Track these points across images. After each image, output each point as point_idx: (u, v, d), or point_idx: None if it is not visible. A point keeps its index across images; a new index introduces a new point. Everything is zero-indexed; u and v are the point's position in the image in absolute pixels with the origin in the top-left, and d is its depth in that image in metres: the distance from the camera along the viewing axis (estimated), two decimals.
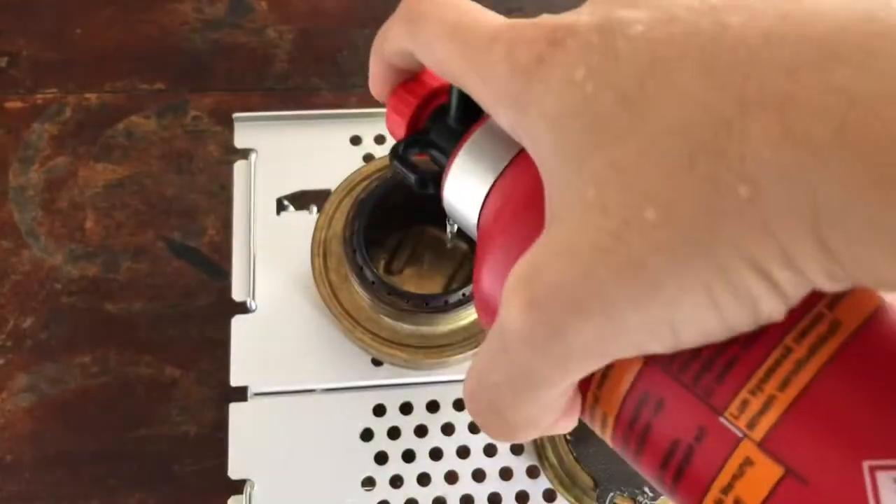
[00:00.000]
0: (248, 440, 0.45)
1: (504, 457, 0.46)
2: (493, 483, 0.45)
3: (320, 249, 0.46)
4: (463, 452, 0.46)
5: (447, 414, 0.46)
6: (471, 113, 0.25)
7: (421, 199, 0.46)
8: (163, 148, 0.59)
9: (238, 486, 0.44)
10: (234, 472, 0.44)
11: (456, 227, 0.28)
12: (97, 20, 0.64)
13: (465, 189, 0.25)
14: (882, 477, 0.16)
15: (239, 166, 0.51)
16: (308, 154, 0.51)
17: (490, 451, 0.46)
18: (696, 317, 0.17)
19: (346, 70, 0.63)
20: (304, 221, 0.49)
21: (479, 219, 0.25)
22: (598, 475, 0.42)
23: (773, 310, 0.17)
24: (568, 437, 0.43)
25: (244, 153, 0.51)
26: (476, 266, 0.23)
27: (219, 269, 0.55)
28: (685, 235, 0.16)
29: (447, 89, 0.26)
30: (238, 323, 0.47)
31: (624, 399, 0.20)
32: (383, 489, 0.44)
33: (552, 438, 0.44)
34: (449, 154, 0.25)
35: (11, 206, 0.57)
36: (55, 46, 0.62)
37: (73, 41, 0.63)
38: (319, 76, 0.62)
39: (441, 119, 0.27)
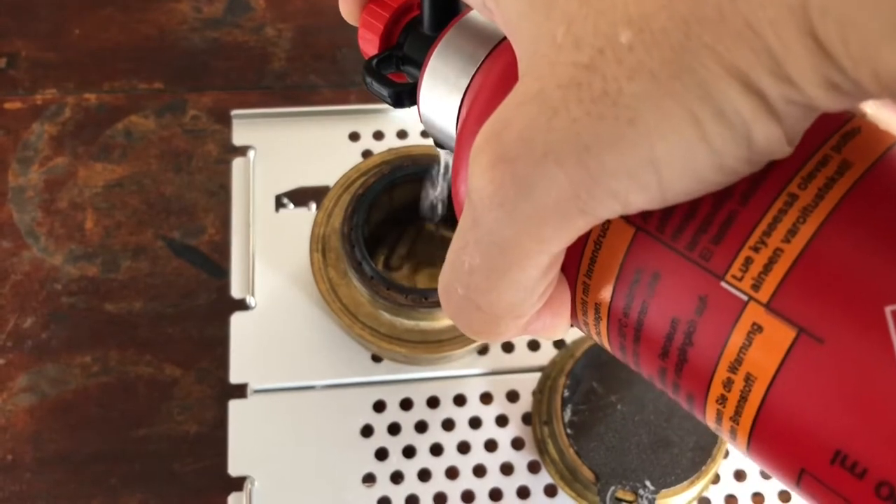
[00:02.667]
0: (248, 437, 0.45)
1: (505, 452, 0.45)
2: (493, 478, 0.45)
3: (319, 245, 0.46)
4: (463, 448, 0.45)
5: (447, 410, 0.46)
6: (445, 17, 0.24)
7: (420, 194, 0.46)
8: (162, 147, 0.59)
9: (238, 484, 0.44)
10: (234, 470, 0.44)
11: (439, 200, 0.26)
12: (95, 20, 0.64)
13: (441, 96, 0.23)
14: None
15: (237, 164, 0.51)
16: (306, 151, 0.51)
17: (491, 446, 0.46)
18: (682, 153, 0.15)
19: (346, 68, 0.63)
20: (303, 218, 0.49)
21: (457, 125, 0.23)
22: (599, 470, 0.42)
23: (768, 138, 0.15)
24: (569, 432, 0.43)
25: (242, 151, 0.51)
26: (454, 168, 0.21)
27: (219, 267, 0.55)
28: (663, 54, 0.14)
29: (419, 2, 0.25)
30: (237, 320, 0.47)
31: (616, 282, 0.18)
32: (384, 485, 0.44)
33: (553, 433, 0.44)
34: (422, 64, 0.23)
35: (11, 207, 0.57)
36: (54, 47, 0.62)
37: (72, 41, 0.63)
38: (318, 74, 0.62)
39: (415, 31, 0.25)
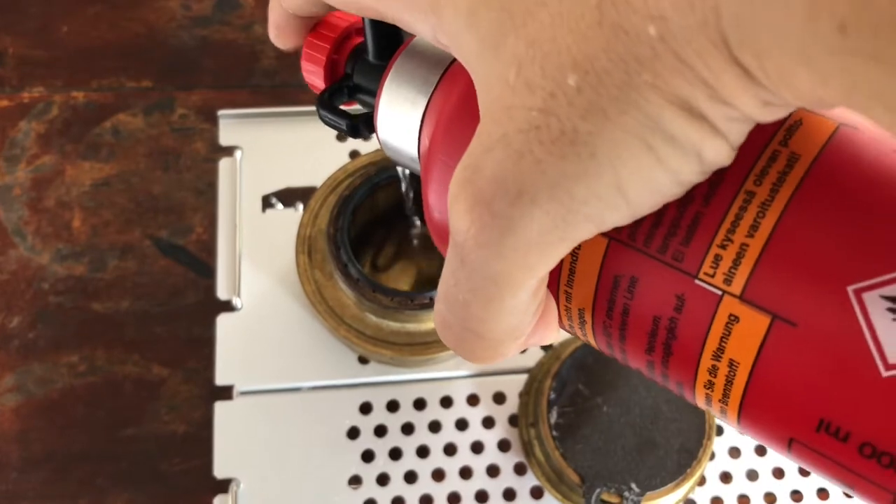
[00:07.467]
0: (234, 439, 0.45)
1: (491, 454, 0.45)
2: (480, 480, 0.45)
3: (305, 247, 0.46)
4: (450, 450, 0.45)
5: (434, 411, 0.46)
6: (390, 44, 0.24)
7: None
8: (150, 146, 0.59)
9: (224, 486, 0.44)
10: (219, 472, 0.44)
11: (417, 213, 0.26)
12: (84, 18, 0.63)
13: (399, 121, 0.23)
14: (868, 297, 0.16)
15: (224, 164, 0.51)
16: (293, 151, 0.51)
17: (477, 448, 0.46)
18: (643, 176, 0.16)
19: None
20: (290, 219, 0.49)
21: (419, 149, 0.23)
22: (584, 472, 0.42)
23: (717, 152, 0.16)
24: (555, 434, 0.43)
25: (229, 151, 0.51)
26: (423, 194, 0.22)
27: (206, 267, 0.55)
28: (609, 93, 0.16)
29: (360, 27, 0.25)
30: (223, 321, 0.47)
31: (596, 288, 0.19)
32: (370, 487, 0.44)
33: (539, 435, 0.44)
34: (376, 92, 0.24)
35: None
36: (42, 44, 0.62)
37: (60, 39, 0.62)
38: None
39: (361, 59, 0.26)
